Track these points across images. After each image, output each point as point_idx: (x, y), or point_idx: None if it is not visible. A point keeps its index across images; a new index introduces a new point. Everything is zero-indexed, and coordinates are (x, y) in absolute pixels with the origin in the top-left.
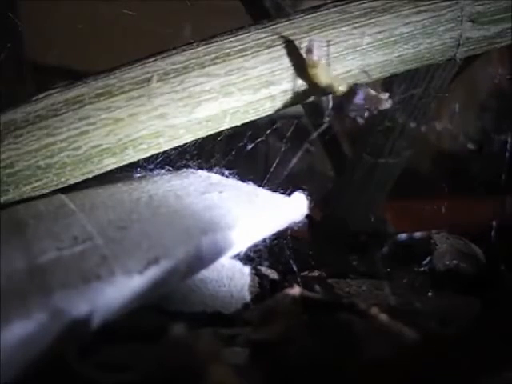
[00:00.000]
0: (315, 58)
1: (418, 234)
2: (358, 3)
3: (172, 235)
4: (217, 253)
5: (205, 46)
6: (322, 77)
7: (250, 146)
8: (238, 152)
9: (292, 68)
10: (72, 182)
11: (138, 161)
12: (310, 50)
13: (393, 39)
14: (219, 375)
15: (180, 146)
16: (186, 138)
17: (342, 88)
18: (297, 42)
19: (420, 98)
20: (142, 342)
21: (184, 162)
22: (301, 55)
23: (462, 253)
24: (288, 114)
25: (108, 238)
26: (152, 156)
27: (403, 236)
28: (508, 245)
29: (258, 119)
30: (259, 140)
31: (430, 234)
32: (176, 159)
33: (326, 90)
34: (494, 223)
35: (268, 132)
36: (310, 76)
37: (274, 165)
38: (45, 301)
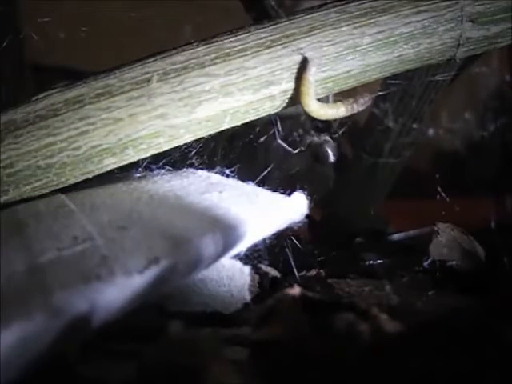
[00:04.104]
0: (308, 76)
1: (417, 231)
2: (357, 3)
3: (172, 235)
4: (217, 253)
5: (205, 46)
6: (308, 96)
7: (250, 146)
8: (238, 152)
9: (292, 68)
10: (72, 181)
11: (138, 161)
12: (304, 67)
13: (393, 39)
14: (218, 373)
15: (181, 146)
16: (186, 138)
17: (328, 112)
18: (297, 42)
19: (420, 98)
20: (142, 342)
21: (187, 161)
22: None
23: (462, 248)
24: (288, 113)
25: (108, 238)
26: (154, 156)
27: (402, 234)
28: (507, 244)
29: (258, 119)
30: (260, 140)
31: (435, 223)
32: (178, 159)
33: (305, 110)
34: (493, 223)
35: (268, 132)
36: (298, 91)
37: (274, 165)
38: (45, 301)
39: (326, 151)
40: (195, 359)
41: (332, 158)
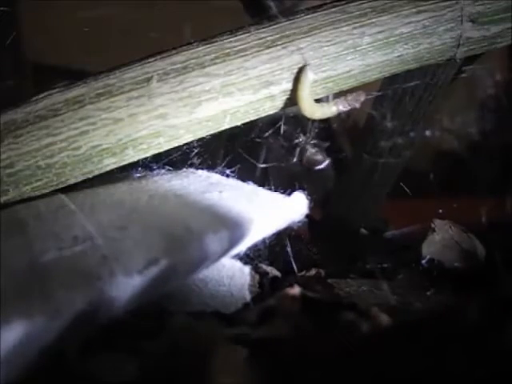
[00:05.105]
0: (302, 76)
1: (410, 228)
2: (357, 3)
3: (172, 235)
4: (217, 253)
5: (205, 46)
6: (302, 97)
7: (250, 146)
8: (238, 152)
9: (292, 68)
10: (72, 182)
11: (138, 161)
12: (304, 71)
13: (393, 39)
14: (221, 366)
15: (182, 146)
16: (186, 137)
17: (320, 111)
18: (297, 42)
19: (420, 98)
20: (142, 341)
21: (187, 161)
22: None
23: (459, 247)
24: (288, 113)
25: (108, 238)
26: (155, 156)
27: (396, 232)
28: (507, 244)
29: (258, 119)
30: (259, 140)
31: (432, 220)
32: (178, 159)
33: (302, 110)
34: (493, 223)
35: (268, 132)
36: (295, 92)
37: (274, 165)
38: (45, 300)
39: (314, 158)
40: (199, 345)
41: (321, 164)
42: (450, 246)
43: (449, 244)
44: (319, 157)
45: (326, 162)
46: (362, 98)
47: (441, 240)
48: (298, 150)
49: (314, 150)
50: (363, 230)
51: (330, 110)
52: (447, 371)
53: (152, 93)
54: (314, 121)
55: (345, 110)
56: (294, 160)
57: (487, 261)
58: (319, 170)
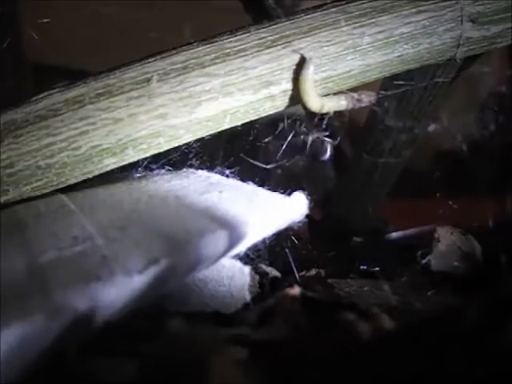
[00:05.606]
0: (307, 73)
1: (414, 230)
2: (357, 3)
3: (172, 235)
4: (217, 253)
5: (205, 46)
6: (307, 93)
7: (250, 146)
8: (238, 152)
9: (292, 68)
10: (72, 182)
11: (138, 161)
12: (302, 65)
13: (393, 39)
14: (220, 367)
15: (182, 146)
16: (186, 137)
17: (328, 104)
18: (297, 42)
19: (420, 98)
20: (142, 342)
21: (187, 161)
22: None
23: (461, 251)
24: (288, 113)
25: (108, 238)
26: (154, 156)
27: (400, 233)
28: (507, 244)
29: (258, 119)
30: (260, 140)
31: (435, 227)
32: (178, 159)
33: (307, 106)
34: (493, 223)
35: (268, 132)
36: (298, 89)
37: (274, 165)
38: (45, 301)
39: (323, 147)
40: (196, 353)
41: (328, 155)
42: (453, 251)
43: (452, 250)
44: (324, 147)
45: (331, 152)
46: (373, 98)
47: (446, 249)
48: (300, 142)
49: (318, 141)
50: (356, 239)
51: (338, 104)
52: (447, 371)
53: (152, 93)
54: (314, 118)
55: (354, 107)
56: (297, 155)
57: (487, 261)
58: (323, 162)
